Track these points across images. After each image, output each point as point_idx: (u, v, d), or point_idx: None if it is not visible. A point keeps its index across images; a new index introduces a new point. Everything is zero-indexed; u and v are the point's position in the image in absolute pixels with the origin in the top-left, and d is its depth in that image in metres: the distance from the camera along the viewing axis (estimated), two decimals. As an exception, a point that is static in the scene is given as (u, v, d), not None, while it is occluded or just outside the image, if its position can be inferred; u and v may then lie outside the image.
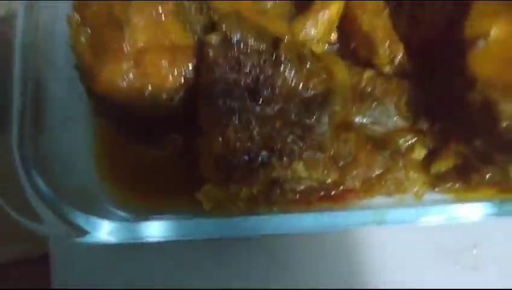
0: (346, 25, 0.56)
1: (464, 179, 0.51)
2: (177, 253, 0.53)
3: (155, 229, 0.41)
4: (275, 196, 0.48)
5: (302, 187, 0.49)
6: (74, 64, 0.50)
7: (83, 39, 0.49)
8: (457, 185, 0.52)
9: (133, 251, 0.51)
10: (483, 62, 0.45)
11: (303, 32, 0.53)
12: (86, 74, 0.49)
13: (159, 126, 0.51)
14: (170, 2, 0.50)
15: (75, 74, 0.51)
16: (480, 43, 0.46)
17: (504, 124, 0.42)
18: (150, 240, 0.41)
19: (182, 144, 0.52)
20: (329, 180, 0.49)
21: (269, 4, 0.57)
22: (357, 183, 0.50)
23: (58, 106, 0.50)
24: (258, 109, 0.46)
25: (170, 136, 0.53)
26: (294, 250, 0.54)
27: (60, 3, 0.50)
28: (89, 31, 0.49)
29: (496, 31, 0.46)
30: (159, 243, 0.42)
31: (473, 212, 0.46)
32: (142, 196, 0.50)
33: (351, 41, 0.56)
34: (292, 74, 0.48)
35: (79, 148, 0.50)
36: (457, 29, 0.49)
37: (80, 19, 0.49)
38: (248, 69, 0.47)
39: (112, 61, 0.47)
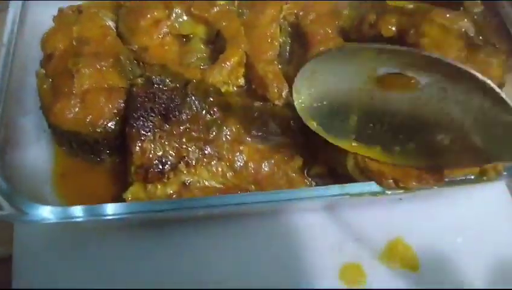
0: (248, 71, 0.74)
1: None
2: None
3: (83, 211, 0.55)
4: (185, 195, 0.62)
5: (207, 187, 0.63)
6: (39, 106, 0.68)
7: (45, 86, 0.67)
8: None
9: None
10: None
11: (211, 77, 0.71)
12: (45, 110, 0.66)
13: (99, 147, 0.67)
14: (110, 58, 0.69)
15: (40, 112, 0.68)
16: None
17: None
18: (79, 220, 0.55)
19: (118, 160, 0.68)
20: (227, 182, 0.63)
21: (192, 59, 0.77)
22: (252, 186, 0.65)
23: (26, 134, 0.67)
24: (168, 128, 0.62)
25: (109, 154, 0.68)
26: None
27: (30, 62, 0.69)
28: (50, 80, 0.67)
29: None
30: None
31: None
32: (84, 202, 0.64)
33: (252, 84, 0.74)
34: (197, 104, 0.65)
35: (39, 162, 0.67)
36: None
37: (44, 72, 0.68)
38: (162, 100, 0.64)
39: (62, 99, 0.65)
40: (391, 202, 0.69)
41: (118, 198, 0.63)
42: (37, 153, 0.68)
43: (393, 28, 0.68)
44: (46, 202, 0.60)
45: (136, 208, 0.56)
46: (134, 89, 0.64)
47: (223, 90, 0.72)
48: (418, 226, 0.69)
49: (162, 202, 0.58)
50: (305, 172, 0.67)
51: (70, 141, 0.66)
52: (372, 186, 0.58)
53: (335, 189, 0.57)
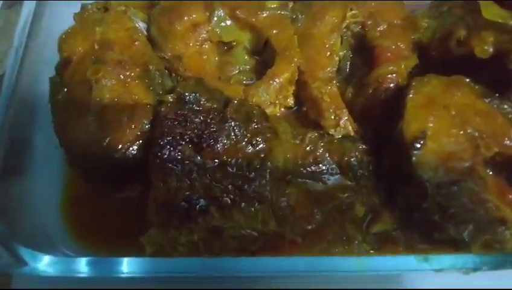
0: (299, 90, 0.62)
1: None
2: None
3: (87, 266, 0.44)
4: (215, 243, 0.50)
5: (242, 235, 0.51)
6: (52, 119, 0.58)
7: (59, 97, 0.56)
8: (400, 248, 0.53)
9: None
10: (426, 166, 0.49)
11: (256, 96, 0.58)
12: (57, 126, 0.55)
13: (117, 175, 0.55)
14: (137, 67, 0.57)
15: (52, 126, 0.57)
16: (418, 144, 0.50)
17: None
18: (82, 275, 0.44)
19: (139, 192, 0.57)
20: (268, 231, 0.51)
21: (233, 72, 0.64)
22: (299, 238, 0.52)
23: (33, 153, 0.57)
24: (199, 160, 0.50)
25: (130, 184, 0.57)
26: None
27: (45, 66, 0.58)
28: (65, 90, 0.56)
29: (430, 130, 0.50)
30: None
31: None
32: (95, 238, 0.54)
33: (303, 106, 0.61)
34: (236, 131, 0.53)
35: (46, 188, 0.56)
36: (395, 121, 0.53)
37: (59, 79, 0.57)
38: (195, 124, 0.52)
39: (77, 115, 0.54)
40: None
41: (134, 238, 0.51)
42: (44, 176, 0.57)
43: (490, 49, 0.54)
44: (49, 239, 0.49)
45: (156, 268, 0.44)
46: (162, 109, 0.52)
47: (267, 111, 0.59)
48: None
49: (191, 261, 0.46)
50: (365, 227, 0.53)
51: (83, 165, 0.55)
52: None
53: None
